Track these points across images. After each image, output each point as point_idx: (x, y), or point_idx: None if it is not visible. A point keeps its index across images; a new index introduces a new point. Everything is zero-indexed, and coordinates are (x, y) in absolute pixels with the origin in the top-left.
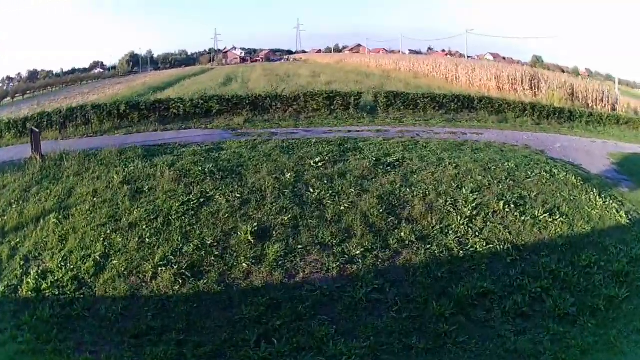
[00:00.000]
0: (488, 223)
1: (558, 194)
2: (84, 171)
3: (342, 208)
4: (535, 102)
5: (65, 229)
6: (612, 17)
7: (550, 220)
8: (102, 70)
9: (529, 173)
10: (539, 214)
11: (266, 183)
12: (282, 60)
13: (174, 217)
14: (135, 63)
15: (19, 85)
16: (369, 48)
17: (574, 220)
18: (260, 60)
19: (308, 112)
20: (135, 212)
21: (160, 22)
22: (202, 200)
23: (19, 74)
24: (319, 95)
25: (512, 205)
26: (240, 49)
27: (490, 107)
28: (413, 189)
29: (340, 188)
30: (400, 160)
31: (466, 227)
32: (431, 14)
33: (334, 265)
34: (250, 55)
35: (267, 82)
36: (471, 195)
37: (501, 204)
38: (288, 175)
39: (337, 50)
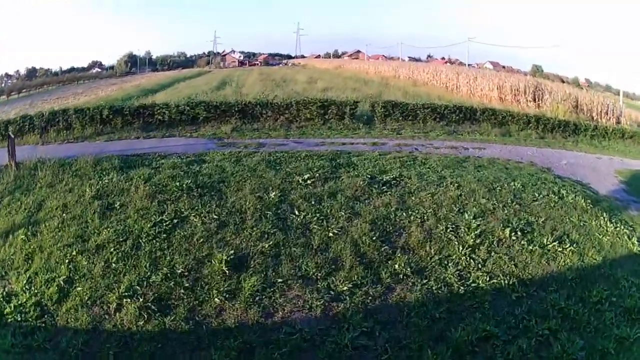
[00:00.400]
0: (492, 254)
1: (567, 219)
2: (57, 182)
3: (330, 234)
4: (539, 114)
5: (32, 247)
6: (612, 28)
7: (560, 249)
8: (100, 70)
9: (536, 195)
10: (548, 243)
11: (247, 203)
12: (281, 65)
13: (144, 240)
14: (133, 64)
15: (15, 83)
16: (368, 54)
17: (584, 249)
18: (259, 64)
19: (300, 121)
20: (103, 232)
21: (161, 23)
22: (175, 221)
23: (17, 71)
24: (312, 104)
25: (519, 233)
26: (239, 52)
27: (493, 119)
28: (410, 212)
29: (329, 210)
30: (397, 179)
31: (468, 259)
32: (431, 21)
33: (318, 303)
34: (249, 58)
35: (262, 87)
36: (474, 221)
37: (507, 231)
38: (272, 195)
39: (336, 55)
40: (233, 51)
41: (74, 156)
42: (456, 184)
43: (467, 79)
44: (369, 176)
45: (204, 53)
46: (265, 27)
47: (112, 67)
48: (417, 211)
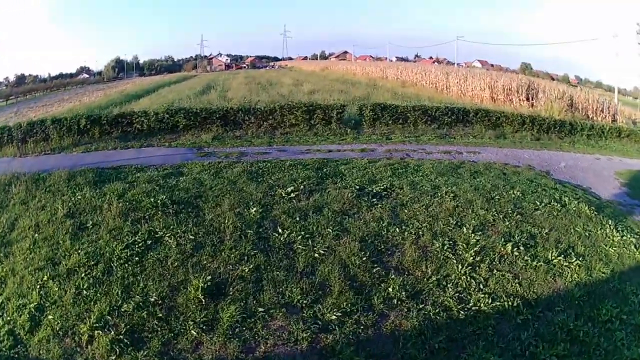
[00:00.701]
0: (494, 272)
1: (572, 229)
2: (30, 199)
3: (316, 255)
4: (534, 114)
5: (4, 270)
6: (601, 27)
7: (566, 264)
8: (87, 76)
9: (538, 203)
10: (553, 257)
11: (226, 221)
12: (268, 67)
13: (115, 264)
14: (121, 69)
15: (3, 90)
16: (356, 55)
17: (591, 263)
18: (246, 66)
19: (285, 127)
20: (74, 255)
21: (148, 27)
22: (149, 242)
23: (7, 78)
24: (297, 109)
25: (522, 248)
26: (226, 55)
27: (486, 120)
28: (403, 227)
29: (315, 227)
30: (389, 189)
31: (468, 278)
32: (418, 21)
33: (304, 335)
34: (236, 61)
35: (247, 90)
36: (473, 235)
37: (509, 246)
38: (253, 210)
39: (324, 57)
40: (220, 54)
41: (50, 169)
42: (452, 194)
43: (457, 78)
44: (358, 187)
45: (191, 57)
46: (252, 30)
47: (100, 73)
48: (411, 226)
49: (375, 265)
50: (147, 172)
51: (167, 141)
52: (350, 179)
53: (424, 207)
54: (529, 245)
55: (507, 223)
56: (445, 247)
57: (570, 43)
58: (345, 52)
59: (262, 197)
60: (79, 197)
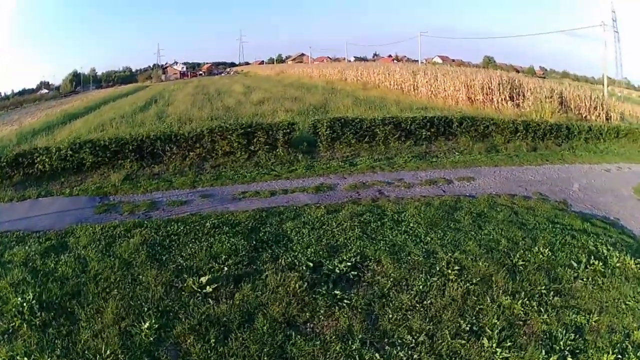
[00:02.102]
0: None
1: (622, 304)
2: None
3: None
4: (523, 117)
5: None
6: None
7: None
8: (46, 91)
9: (575, 265)
10: None
11: (105, 348)
12: (223, 74)
13: None
14: (78, 82)
15: None
16: (313, 57)
17: None
18: (202, 74)
19: (217, 157)
20: None
21: (107, 40)
22: None
23: None
24: (231, 132)
25: (570, 358)
26: (182, 63)
27: (473, 130)
28: (387, 349)
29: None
30: (359, 265)
31: None
32: (375, 20)
33: None
34: (193, 69)
35: (190, 103)
36: (500, 351)
37: None
38: (146, 327)
39: (280, 60)
40: (176, 63)
41: None
42: (456, 266)
43: (426, 78)
44: (312, 264)
45: (148, 66)
46: (209, 37)
47: (58, 87)
48: (399, 345)
49: None
50: (27, 245)
51: (70, 185)
52: (299, 249)
53: (416, 299)
54: (576, 352)
55: (545, 316)
56: None
57: (532, 35)
58: (302, 55)
59: (163, 294)
60: None
